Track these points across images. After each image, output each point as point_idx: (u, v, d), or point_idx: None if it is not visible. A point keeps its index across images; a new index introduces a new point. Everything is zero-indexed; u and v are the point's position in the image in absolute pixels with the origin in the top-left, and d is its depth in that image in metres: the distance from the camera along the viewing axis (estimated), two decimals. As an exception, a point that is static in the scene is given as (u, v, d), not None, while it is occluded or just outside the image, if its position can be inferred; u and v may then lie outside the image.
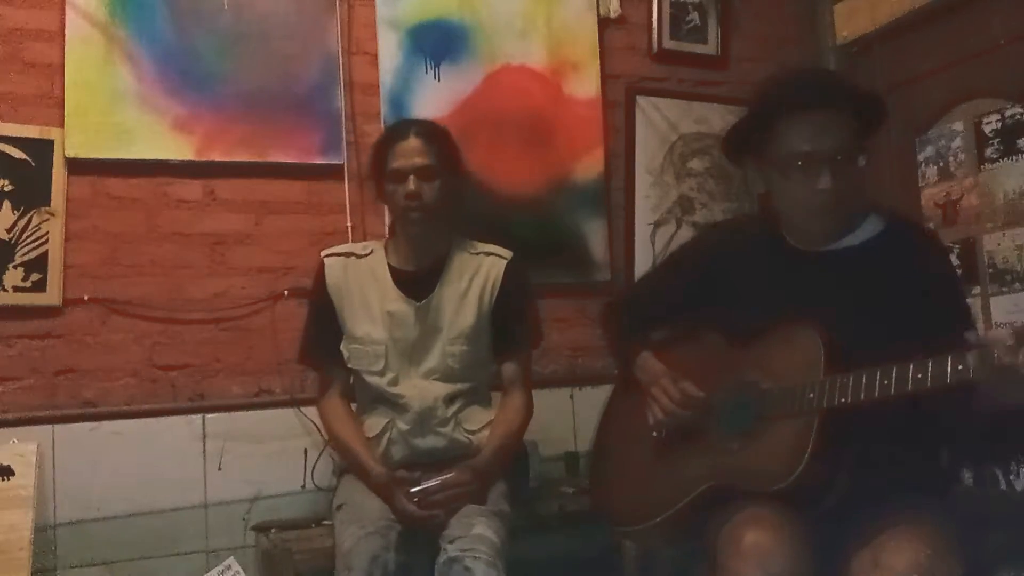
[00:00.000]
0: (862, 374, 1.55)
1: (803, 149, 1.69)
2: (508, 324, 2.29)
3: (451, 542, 1.95)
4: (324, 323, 2.28)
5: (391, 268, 2.28)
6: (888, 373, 1.51)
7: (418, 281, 2.25)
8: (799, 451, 1.60)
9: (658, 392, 1.91)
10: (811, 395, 1.63)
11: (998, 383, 1.42)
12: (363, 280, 2.27)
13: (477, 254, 2.31)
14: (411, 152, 2.19)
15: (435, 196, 2.20)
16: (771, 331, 1.75)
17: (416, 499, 2.06)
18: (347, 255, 2.31)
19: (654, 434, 1.94)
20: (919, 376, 1.48)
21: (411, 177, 2.18)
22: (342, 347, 2.26)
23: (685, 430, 1.87)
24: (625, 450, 2.03)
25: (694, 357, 1.93)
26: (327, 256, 2.31)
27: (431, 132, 2.26)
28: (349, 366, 2.26)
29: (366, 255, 2.31)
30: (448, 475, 2.10)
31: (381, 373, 2.22)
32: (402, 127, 2.31)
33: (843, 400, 1.58)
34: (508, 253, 2.33)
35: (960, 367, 1.44)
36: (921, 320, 1.61)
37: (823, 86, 1.76)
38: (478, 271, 2.29)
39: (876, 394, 1.53)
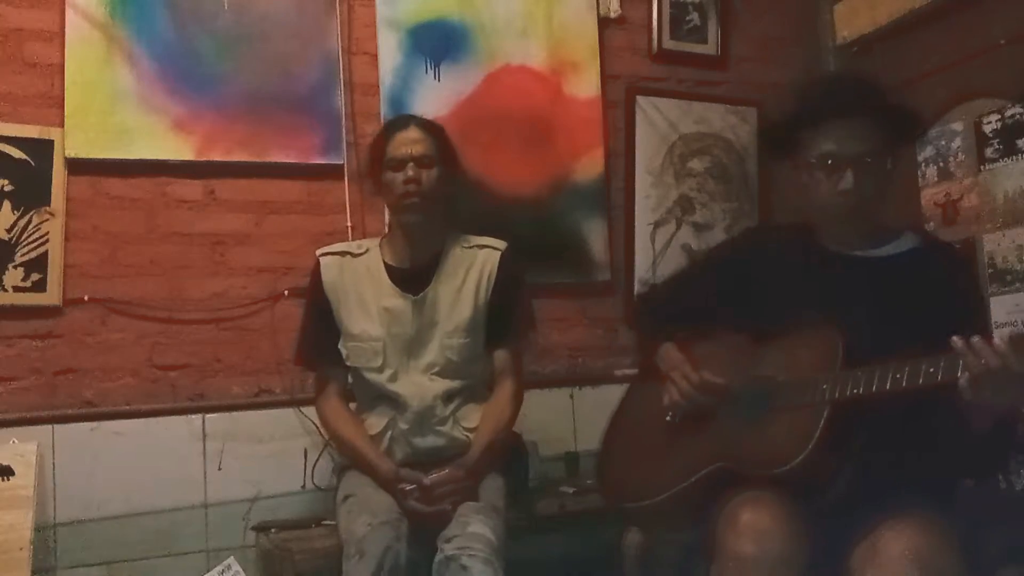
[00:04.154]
0: (874, 369, 1.58)
1: (830, 150, 1.76)
2: (502, 313, 2.29)
3: (447, 541, 1.96)
4: (321, 323, 2.28)
5: (387, 266, 2.29)
6: (900, 368, 1.54)
7: (414, 277, 2.26)
8: (806, 438, 1.63)
9: (678, 376, 1.93)
10: (825, 387, 1.66)
11: (987, 386, 1.45)
12: (359, 278, 2.27)
13: (471, 247, 2.32)
14: (410, 141, 2.23)
15: (433, 185, 2.22)
16: (793, 330, 1.78)
17: (413, 496, 2.07)
18: (342, 254, 2.31)
19: (668, 417, 1.95)
20: (931, 371, 1.51)
21: (410, 164, 2.20)
22: (340, 346, 2.26)
23: (698, 415, 1.89)
24: (637, 434, 2.05)
25: (715, 352, 1.95)
26: (322, 255, 2.32)
27: (429, 125, 2.30)
28: (348, 364, 2.26)
29: (361, 253, 2.31)
30: (442, 473, 2.10)
31: (380, 369, 2.23)
32: (401, 119, 2.36)
33: (855, 391, 1.60)
34: (502, 244, 2.34)
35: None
36: (943, 333, 1.62)
37: (859, 93, 1.80)
38: (473, 264, 2.29)
39: (888, 387, 1.56)
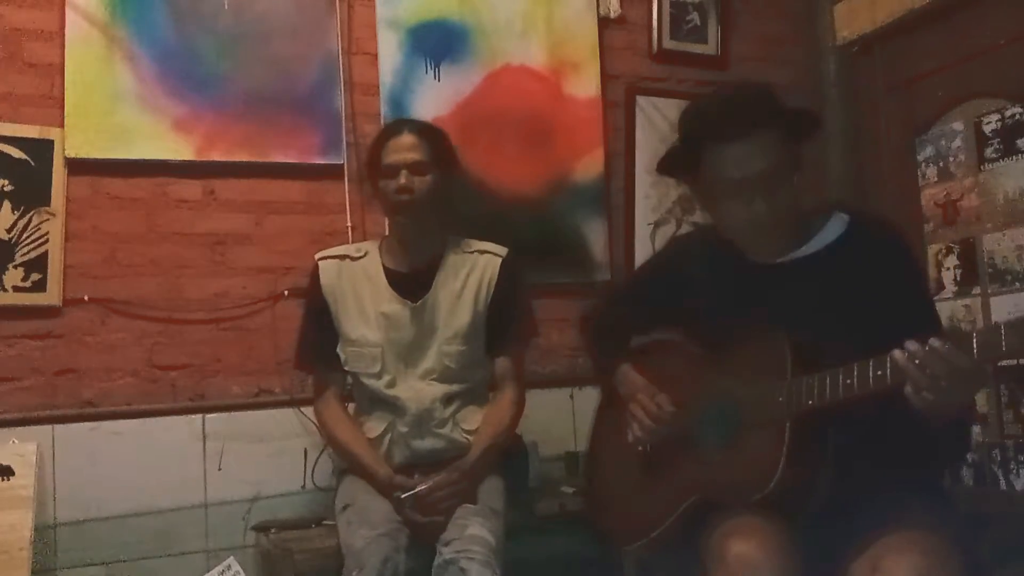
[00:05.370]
0: (826, 375, 1.55)
1: (732, 176, 1.69)
2: (503, 320, 2.29)
3: (446, 544, 1.97)
4: (320, 326, 2.28)
5: (385, 269, 2.28)
6: (850, 372, 1.51)
7: (413, 282, 2.25)
8: (774, 458, 1.60)
9: (635, 408, 1.92)
10: (780, 399, 1.62)
11: (936, 391, 1.41)
12: (357, 282, 2.27)
13: (471, 252, 2.31)
14: (404, 148, 2.21)
15: (426, 191, 2.20)
16: (740, 337, 1.75)
17: (408, 505, 2.07)
18: (341, 257, 2.31)
19: (639, 449, 1.94)
20: (879, 373, 1.47)
21: (403, 171, 2.19)
22: (339, 350, 2.26)
23: (669, 443, 1.87)
24: (615, 466, 2.03)
25: (672, 366, 1.94)
26: (321, 259, 2.31)
27: (425, 130, 2.28)
28: (346, 369, 2.26)
29: (360, 257, 2.30)
30: (437, 478, 2.10)
31: (378, 375, 2.22)
32: (397, 124, 2.34)
33: (810, 402, 1.57)
34: (503, 250, 2.33)
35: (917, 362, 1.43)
36: (885, 319, 1.60)
37: (745, 113, 1.70)
38: (473, 269, 2.29)
39: (841, 394, 1.53)
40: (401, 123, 2.35)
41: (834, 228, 1.77)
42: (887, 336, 1.48)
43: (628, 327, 2.09)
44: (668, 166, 1.88)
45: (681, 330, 1.95)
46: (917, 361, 1.41)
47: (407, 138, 2.23)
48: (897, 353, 1.43)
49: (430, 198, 2.21)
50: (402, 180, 2.19)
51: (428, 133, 2.27)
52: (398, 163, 2.20)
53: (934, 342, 1.40)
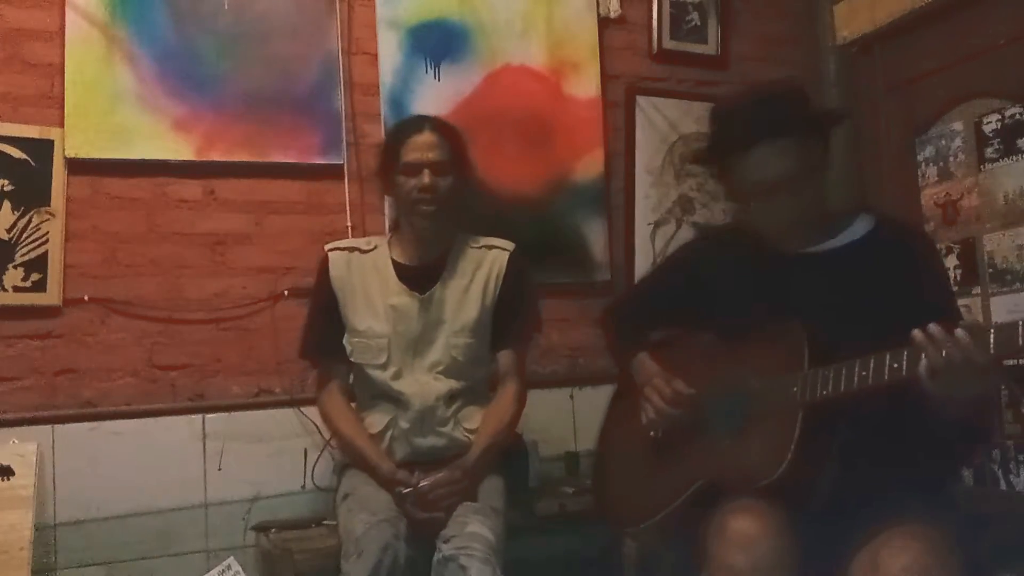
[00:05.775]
0: (842, 367, 1.58)
1: (757, 178, 1.74)
2: (509, 314, 2.29)
3: (446, 541, 1.96)
4: (327, 317, 2.27)
5: (394, 263, 2.28)
6: (866, 364, 1.54)
7: (421, 275, 2.26)
8: (784, 446, 1.62)
9: (650, 392, 1.94)
10: (795, 389, 1.65)
11: (949, 377, 1.44)
12: (366, 274, 2.27)
13: (479, 247, 2.32)
14: (426, 146, 2.19)
15: (447, 191, 2.20)
16: (758, 332, 1.77)
17: (409, 501, 2.07)
18: (350, 249, 2.31)
19: (651, 433, 1.96)
20: (895, 366, 1.50)
21: (426, 171, 2.18)
22: (345, 341, 2.26)
23: (681, 429, 1.89)
24: (626, 451, 2.05)
25: (689, 356, 1.95)
26: (331, 250, 2.31)
27: (445, 128, 2.26)
28: (352, 360, 2.26)
29: (369, 250, 2.31)
30: (439, 475, 2.10)
31: (384, 367, 2.22)
32: (417, 121, 2.31)
33: (824, 392, 1.60)
34: (510, 245, 2.33)
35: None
36: (907, 317, 1.60)
37: (771, 117, 1.74)
38: (481, 264, 2.29)
39: (855, 385, 1.55)
40: (422, 120, 2.30)
41: (860, 226, 1.81)
42: (907, 332, 1.50)
43: (649, 318, 2.11)
44: (700, 160, 1.96)
45: (701, 321, 1.96)
46: (936, 342, 1.43)
47: (429, 136, 2.20)
48: (918, 332, 1.46)
49: (450, 199, 2.21)
50: (426, 180, 2.17)
51: (448, 132, 2.25)
52: (420, 162, 2.18)
53: (957, 330, 1.42)
